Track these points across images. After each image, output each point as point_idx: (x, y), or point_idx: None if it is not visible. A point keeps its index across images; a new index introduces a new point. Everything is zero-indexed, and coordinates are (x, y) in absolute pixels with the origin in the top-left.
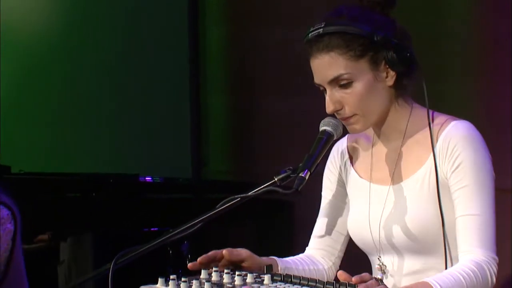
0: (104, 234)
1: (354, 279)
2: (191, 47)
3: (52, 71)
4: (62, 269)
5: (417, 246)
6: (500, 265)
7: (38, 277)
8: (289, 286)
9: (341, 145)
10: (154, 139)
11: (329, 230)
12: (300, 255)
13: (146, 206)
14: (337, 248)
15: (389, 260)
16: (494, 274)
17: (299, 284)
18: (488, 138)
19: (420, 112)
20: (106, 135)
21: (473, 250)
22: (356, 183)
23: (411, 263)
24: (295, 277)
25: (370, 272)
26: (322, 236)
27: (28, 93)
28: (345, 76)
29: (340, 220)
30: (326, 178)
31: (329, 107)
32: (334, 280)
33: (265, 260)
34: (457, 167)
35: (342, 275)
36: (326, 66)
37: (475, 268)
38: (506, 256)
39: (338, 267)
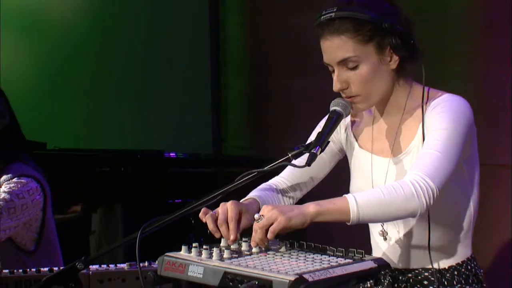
0: (132, 205)
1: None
2: (211, 33)
3: (85, 55)
4: (93, 237)
5: None
6: (500, 236)
7: (71, 245)
8: (302, 253)
9: None
10: (177, 118)
11: (306, 173)
12: (270, 189)
13: (170, 180)
14: (303, 191)
15: (391, 226)
16: (422, 193)
17: (311, 251)
18: (487, 117)
19: (419, 90)
20: (133, 114)
21: (410, 171)
22: (357, 153)
23: (410, 228)
24: (307, 245)
25: (369, 237)
26: (299, 176)
27: (63, 76)
28: (353, 58)
29: (317, 168)
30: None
31: (336, 86)
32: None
33: (255, 206)
34: (436, 115)
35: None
36: (336, 48)
37: (398, 184)
38: (507, 231)
39: None
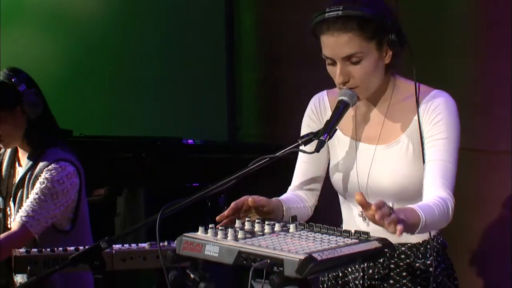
0: (152, 189)
1: (373, 206)
2: (227, 29)
3: (108, 47)
4: (118, 219)
5: (400, 196)
6: (499, 221)
7: (98, 226)
8: (311, 234)
9: (322, 98)
10: (195, 108)
11: (311, 174)
12: (290, 194)
13: (188, 165)
14: (318, 188)
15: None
16: (453, 210)
17: (320, 232)
18: (487, 108)
19: (403, 84)
20: (154, 104)
21: (437, 187)
22: (341, 141)
23: None
24: (316, 225)
25: (347, 218)
26: (306, 179)
27: (87, 67)
28: (358, 54)
29: (319, 165)
30: (306, 125)
31: (339, 79)
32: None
33: (276, 201)
34: (436, 123)
35: (359, 195)
36: (343, 44)
37: (442, 202)
38: (506, 216)
39: (316, 203)
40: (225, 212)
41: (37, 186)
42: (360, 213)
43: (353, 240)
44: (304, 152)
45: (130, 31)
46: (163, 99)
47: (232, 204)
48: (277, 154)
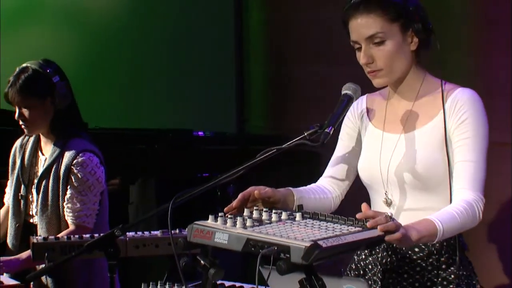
0: (164, 179)
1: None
2: (236, 26)
3: (123, 45)
4: (132, 208)
5: (421, 185)
6: (500, 212)
7: (112, 214)
8: (316, 222)
9: (361, 102)
10: (205, 101)
11: (341, 166)
12: (313, 185)
13: (199, 156)
14: (346, 181)
15: (395, 196)
16: (481, 210)
17: (325, 220)
18: (487, 101)
19: (432, 80)
20: (166, 98)
21: (465, 189)
22: (371, 133)
23: (414, 199)
24: (321, 214)
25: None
26: (334, 171)
27: (102, 63)
28: (380, 34)
29: (351, 159)
30: (345, 125)
31: (363, 59)
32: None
33: (283, 191)
34: (462, 122)
35: (365, 207)
36: (365, 25)
37: (466, 206)
38: (507, 207)
39: (343, 197)
40: (233, 203)
41: (74, 184)
42: (384, 200)
43: (357, 228)
44: (310, 144)
45: (143, 29)
46: (174, 93)
47: (239, 196)
48: (283, 145)
